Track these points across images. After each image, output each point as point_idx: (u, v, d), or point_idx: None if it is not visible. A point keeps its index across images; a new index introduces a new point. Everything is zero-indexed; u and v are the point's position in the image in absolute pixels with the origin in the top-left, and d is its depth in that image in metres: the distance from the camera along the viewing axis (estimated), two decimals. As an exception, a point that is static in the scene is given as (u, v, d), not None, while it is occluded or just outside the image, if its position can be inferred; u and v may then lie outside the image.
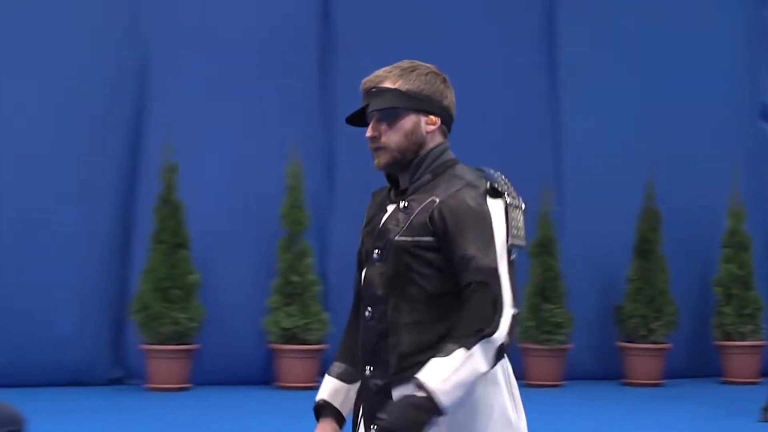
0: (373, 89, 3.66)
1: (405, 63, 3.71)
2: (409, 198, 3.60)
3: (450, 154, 3.66)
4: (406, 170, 3.64)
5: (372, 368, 3.60)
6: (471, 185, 3.54)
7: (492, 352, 3.40)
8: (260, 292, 12.21)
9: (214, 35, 12.40)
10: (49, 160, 11.84)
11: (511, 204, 3.55)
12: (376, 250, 3.62)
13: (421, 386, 3.37)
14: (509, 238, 3.50)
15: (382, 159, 3.64)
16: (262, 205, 12.30)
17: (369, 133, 3.66)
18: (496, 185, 3.55)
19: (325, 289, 12.42)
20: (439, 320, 3.51)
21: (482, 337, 3.38)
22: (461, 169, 3.62)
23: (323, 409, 3.75)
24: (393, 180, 3.70)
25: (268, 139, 12.37)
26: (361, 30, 12.76)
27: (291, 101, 12.59)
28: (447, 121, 3.68)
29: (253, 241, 12.35)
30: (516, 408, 3.61)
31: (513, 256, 3.53)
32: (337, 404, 3.74)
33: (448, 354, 3.37)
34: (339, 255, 12.59)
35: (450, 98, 3.68)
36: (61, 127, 11.88)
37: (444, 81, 3.69)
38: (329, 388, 3.75)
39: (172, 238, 11.96)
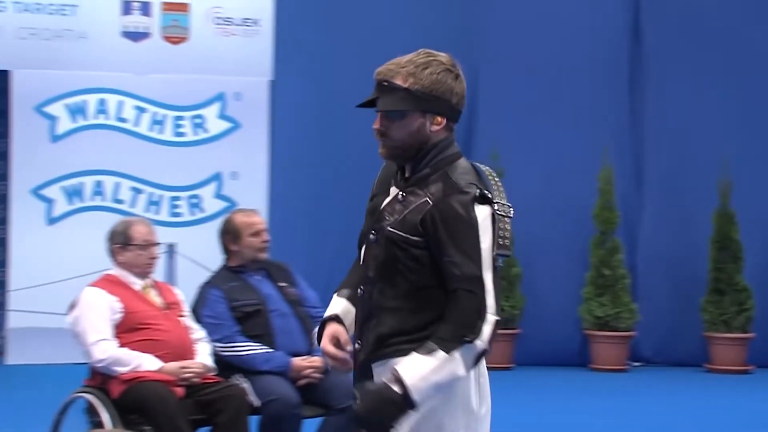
0: (385, 83, 3.38)
1: (421, 57, 3.42)
2: (408, 190, 3.38)
3: (453, 149, 3.43)
4: (410, 162, 3.41)
5: (360, 343, 3.44)
6: (462, 191, 3.29)
7: (472, 357, 3.23)
8: (575, 284, 12.18)
9: (533, 55, 12.42)
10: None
11: (498, 212, 3.32)
12: (373, 233, 3.42)
13: (399, 380, 3.21)
14: (495, 246, 3.28)
15: (386, 151, 3.42)
16: (577, 207, 12.26)
17: (375, 126, 3.42)
18: (486, 192, 3.31)
19: (633, 282, 12.28)
20: (419, 310, 3.32)
21: (464, 343, 3.20)
22: (458, 167, 3.38)
23: (334, 320, 3.52)
24: (400, 165, 3.47)
25: (583, 147, 12.32)
26: (668, 45, 12.54)
27: (603, 112, 12.50)
28: (454, 117, 3.47)
29: (569, 239, 12.32)
30: (480, 397, 3.42)
31: (498, 263, 3.30)
32: (347, 323, 3.52)
33: (429, 353, 3.20)
34: (647, 251, 12.47)
35: (460, 93, 3.46)
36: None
37: (456, 77, 3.45)
38: (341, 307, 3.53)
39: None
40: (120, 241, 6.19)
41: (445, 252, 3.26)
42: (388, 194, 3.45)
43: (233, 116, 12.16)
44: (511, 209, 3.36)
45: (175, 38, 12.10)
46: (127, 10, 12.00)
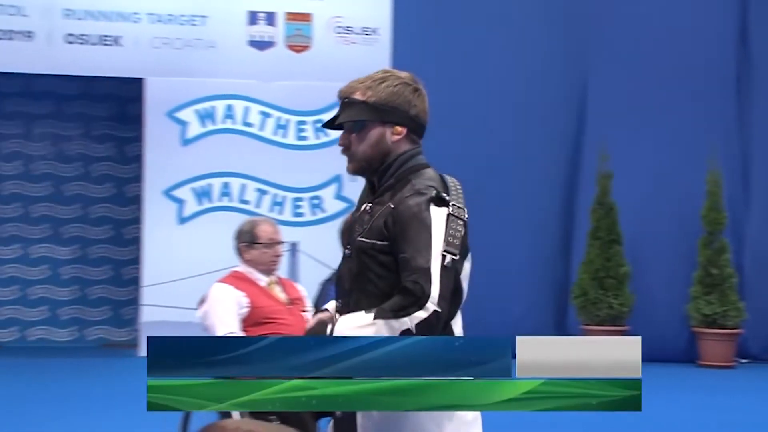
0: (346, 100, 3.42)
1: (379, 73, 3.44)
2: (375, 201, 3.39)
3: (418, 160, 3.41)
4: (376, 174, 3.41)
5: None
6: (419, 193, 3.30)
7: (395, 332, 3.19)
8: (683, 283, 12.04)
9: (642, 59, 12.32)
10: (507, 166, 12.11)
11: (452, 214, 3.29)
12: (348, 247, 3.44)
13: (333, 325, 3.31)
14: (444, 244, 3.25)
15: (352, 166, 3.42)
16: (685, 208, 12.12)
17: (340, 141, 3.43)
18: (442, 194, 3.30)
19: (741, 281, 12.10)
20: None
21: (393, 317, 3.20)
22: (422, 175, 3.37)
23: (323, 311, 3.56)
24: (369, 179, 3.47)
25: (691, 149, 12.17)
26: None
27: (711, 116, 12.33)
28: (416, 129, 3.42)
29: (677, 239, 12.18)
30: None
31: (446, 262, 3.25)
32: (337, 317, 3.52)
33: (366, 313, 3.25)
34: (753, 251, 12.27)
35: (420, 106, 3.41)
36: (519, 139, 12.12)
37: (414, 90, 3.41)
38: (333, 306, 3.54)
39: (607, 235, 11.98)
40: (246, 240, 6.27)
41: (399, 248, 3.28)
42: (359, 210, 3.47)
43: (353, 121, 12.24)
44: (466, 214, 3.34)
45: (299, 47, 12.23)
46: (253, 20, 12.16)
